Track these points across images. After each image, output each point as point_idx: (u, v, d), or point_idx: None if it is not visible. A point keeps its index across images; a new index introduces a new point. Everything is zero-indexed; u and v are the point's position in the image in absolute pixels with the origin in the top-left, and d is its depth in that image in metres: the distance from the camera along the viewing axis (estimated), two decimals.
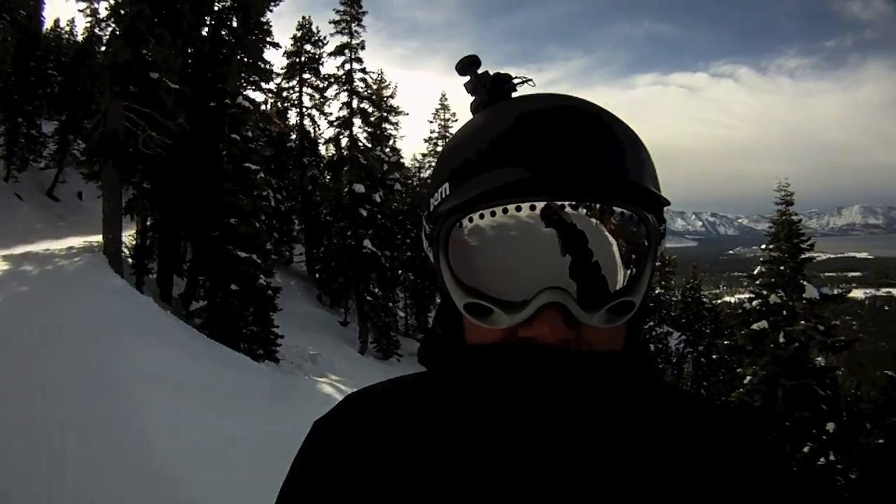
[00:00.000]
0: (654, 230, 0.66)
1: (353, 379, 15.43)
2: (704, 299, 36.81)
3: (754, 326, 16.78)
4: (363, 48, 24.56)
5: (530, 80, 0.77)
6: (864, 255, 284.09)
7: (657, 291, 34.35)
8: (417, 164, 30.92)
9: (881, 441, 14.05)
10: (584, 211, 0.61)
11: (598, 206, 0.61)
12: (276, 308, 15.11)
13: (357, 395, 0.83)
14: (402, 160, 27.11)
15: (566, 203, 0.61)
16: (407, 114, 26.56)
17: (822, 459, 14.20)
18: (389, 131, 25.90)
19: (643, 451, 0.68)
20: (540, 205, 0.60)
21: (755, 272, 17.99)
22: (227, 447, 6.51)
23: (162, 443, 6.34)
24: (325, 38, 25.91)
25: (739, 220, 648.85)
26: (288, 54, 26.65)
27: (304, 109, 26.83)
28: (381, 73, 26.49)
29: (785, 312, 16.48)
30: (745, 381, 16.26)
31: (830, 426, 14.74)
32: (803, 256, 16.91)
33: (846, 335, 17.32)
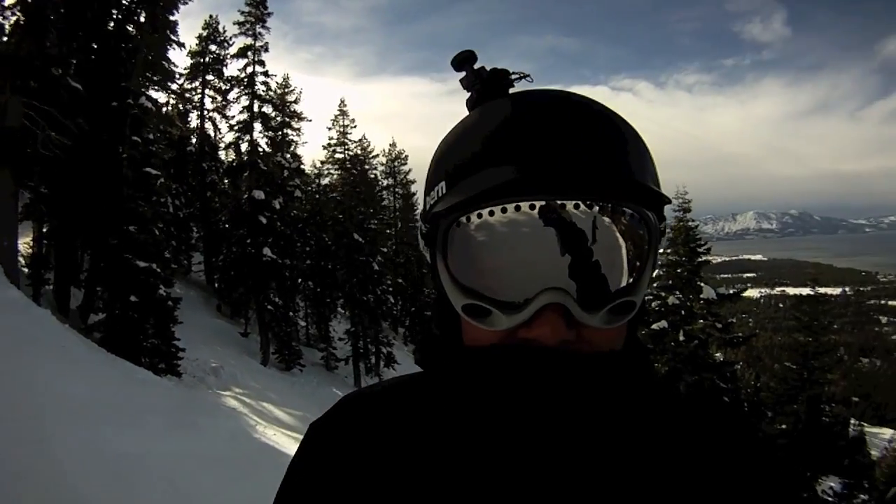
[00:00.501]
0: (654, 228, 0.65)
1: (256, 392, 15.06)
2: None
3: (655, 326, 17.62)
4: (266, 50, 23.99)
5: (528, 75, 0.76)
6: (758, 257, 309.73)
7: None
8: (317, 171, 30.41)
9: (783, 426, 15.21)
10: (584, 209, 0.60)
11: (598, 204, 0.61)
12: (176, 320, 14.35)
13: (354, 396, 0.83)
14: (302, 166, 26.58)
15: (564, 203, 0.60)
16: (310, 120, 26.14)
17: None
18: (291, 137, 25.36)
19: (644, 451, 0.68)
20: (539, 204, 0.60)
21: (654, 275, 18.81)
22: (140, 467, 6.11)
23: (73, 465, 5.84)
24: (230, 38, 24.98)
25: None
26: (192, 54, 25.55)
27: (206, 112, 25.76)
28: (287, 77, 25.96)
29: (683, 312, 17.58)
30: None
31: None
32: (700, 259, 18.04)
33: (743, 331, 18.88)
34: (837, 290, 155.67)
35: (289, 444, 9.18)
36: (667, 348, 17.15)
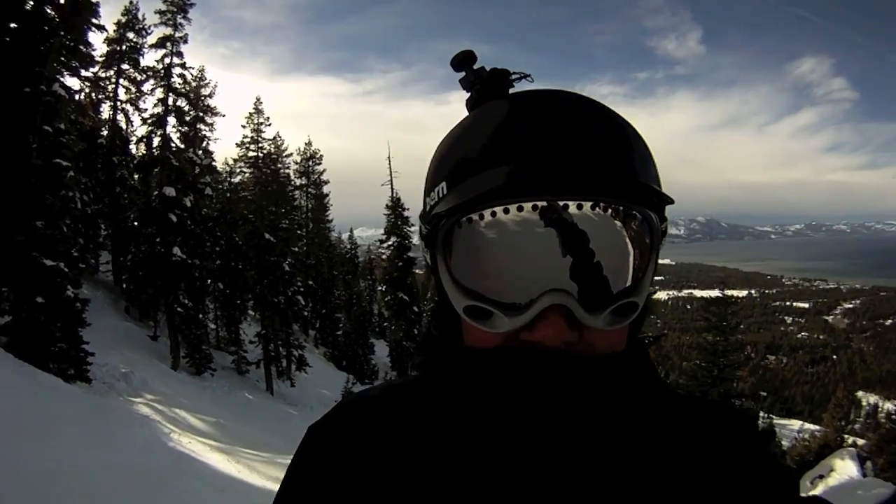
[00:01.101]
0: (656, 229, 0.65)
1: (168, 398, 14.43)
2: None
3: None
4: (186, 42, 22.84)
5: (528, 75, 0.76)
6: (666, 261, 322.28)
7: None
8: (229, 169, 29.36)
9: None
10: (585, 209, 0.60)
11: (599, 204, 0.60)
12: (84, 323, 13.39)
13: (353, 399, 0.82)
14: (214, 163, 25.49)
15: (566, 203, 0.60)
16: (223, 115, 25.05)
17: None
18: (204, 132, 24.09)
19: (648, 453, 0.68)
20: (540, 205, 0.60)
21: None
22: (56, 482, 5.76)
23: None
24: (149, 27, 23.57)
25: None
26: (109, 41, 23.81)
27: (119, 103, 24.16)
28: (203, 70, 24.69)
29: None
30: None
31: None
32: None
33: (653, 332, 19.51)
34: (744, 293, 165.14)
35: (206, 453, 8.97)
36: None
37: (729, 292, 18.38)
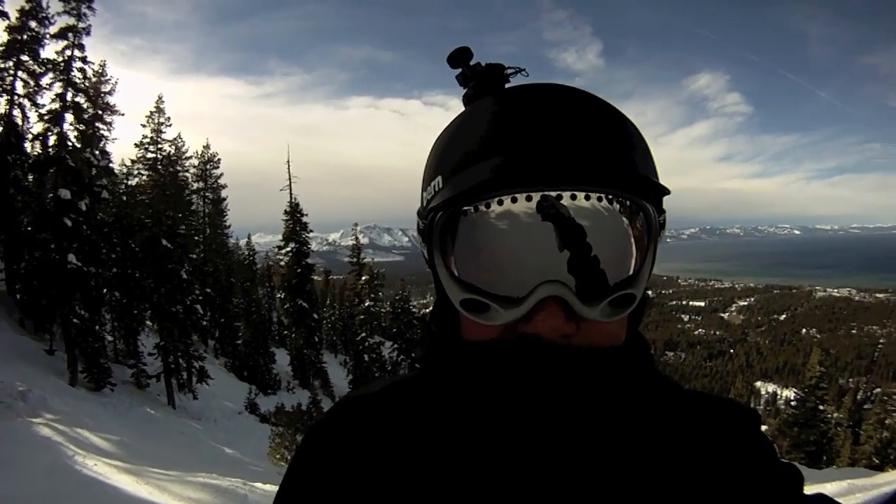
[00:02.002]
0: (654, 220, 0.65)
1: (69, 416, 13.37)
2: (413, 309, 38.80)
3: None
4: (88, 34, 21.05)
5: (523, 69, 0.75)
6: None
7: (366, 304, 35.62)
8: (126, 171, 27.56)
9: None
10: (582, 201, 0.60)
11: (596, 195, 0.60)
12: None
13: (353, 396, 0.82)
14: (111, 165, 23.90)
15: (563, 193, 0.59)
16: (122, 114, 23.45)
17: None
18: (102, 131, 22.52)
19: (648, 447, 0.68)
20: (536, 196, 0.59)
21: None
22: None
23: None
24: (52, 16, 21.34)
25: None
26: (10, 29, 21.36)
27: (16, 97, 21.66)
28: (104, 65, 23.03)
29: None
30: None
31: None
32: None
33: None
34: None
35: (114, 475, 8.46)
36: None
37: None
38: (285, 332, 39.68)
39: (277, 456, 14.53)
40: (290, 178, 33.57)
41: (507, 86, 0.74)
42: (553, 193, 0.59)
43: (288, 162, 33.72)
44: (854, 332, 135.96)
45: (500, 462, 0.66)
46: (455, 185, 0.64)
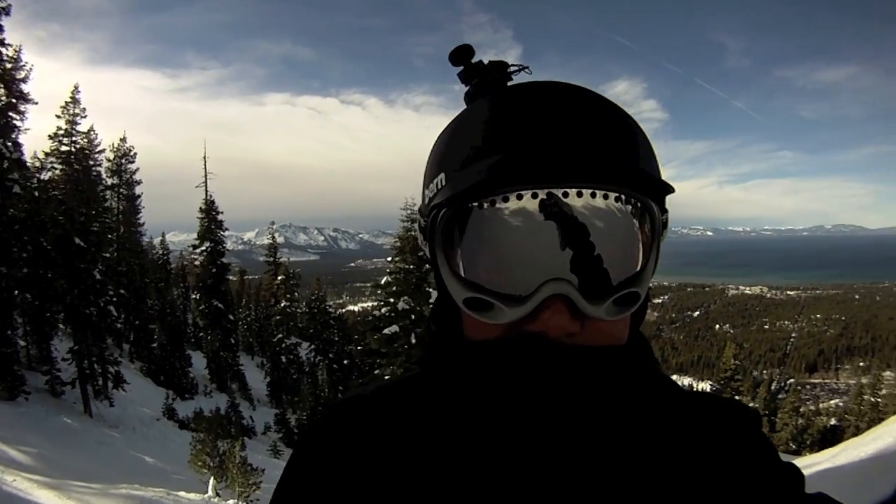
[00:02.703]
0: (657, 218, 0.64)
1: None
2: (330, 309, 38.76)
3: (386, 331, 18.37)
4: (8, 13, 19.46)
5: (527, 67, 0.75)
6: None
7: (283, 304, 35.39)
8: (39, 164, 26.12)
9: None
10: (586, 200, 0.59)
11: (599, 193, 0.59)
12: None
13: (352, 396, 0.79)
14: (23, 158, 22.21)
15: (567, 191, 0.58)
16: (36, 103, 21.84)
17: None
18: (15, 121, 20.89)
19: (651, 446, 0.66)
20: (541, 194, 0.59)
21: (382, 282, 19.35)
22: None
23: None
24: None
25: (361, 236, 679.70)
26: None
27: None
28: (19, 50, 21.29)
29: (414, 316, 18.30)
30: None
31: None
32: (426, 267, 18.35)
33: None
34: None
35: (34, 491, 8.48)
36: (399, 350, 17.92)
37: None
38: (201, 334, 38.58)
39: (199, 463, 13.92)
40: (205, 175, 32.97)
41: (508, 83, 0.74)
42: (557, 191, 0.59)
43: (204, 158, 33.10)
44: (767, 327, 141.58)
45: (508, 461, 0.64)
46: (458, 183, 0.62)
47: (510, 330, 0.63)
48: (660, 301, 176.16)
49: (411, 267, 18.95)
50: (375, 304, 20.29)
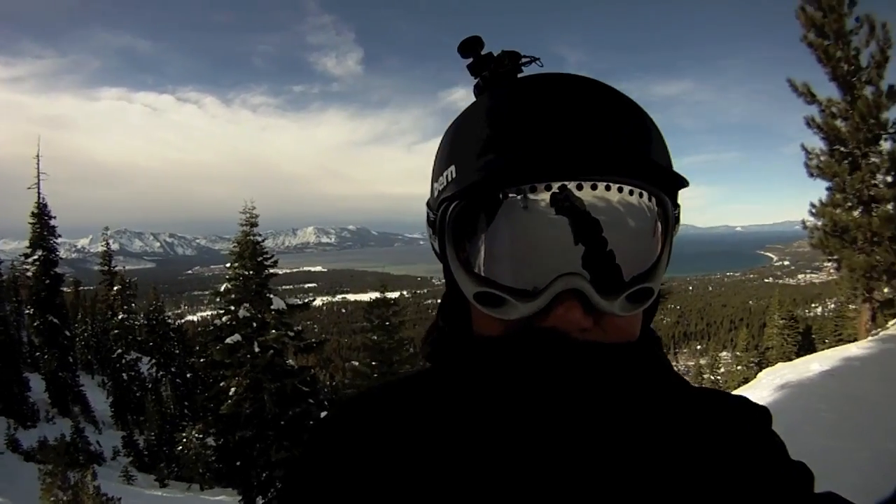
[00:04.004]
0: (670, 212, 0.63)
1: None
2: (169, 320, 37.15)
3: (228, 340, 17.43)
4: None
5: (538, 59, 0.73)
6: (318, 268, 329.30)
7: (120, 317, 33.14)
8: None
9: None
10: (601, 191, 0.58)
11: (613, 186, 0.58)
12: None
13: (361, 394, 0.78)
14: None
15: (580, 183, 0.57)
16: None
17: None
18: None
19: (664, 445, 0.67)
20: (554, 187, 0.58)
21: (222, 289, 18.62)
22: None
23: None
24: None
25: (198, 241, 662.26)
26: None
27: None
28: None
29: (256, 324, 17.63)
30: (231, 393, 17.09)
31: (325, 414, 16.83)
32: (267, 272, 18.32)
33: (313, 337, 19.67)
34: (397, 294, 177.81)
35: None
36: (244, 360, 17.32)
37: (385, 294, 19.14)
38: (37, 353, 34.89)
39: (52, 499, 12.96)
40: (38, 175, 29.99)
41: (519, 75, 0.73)
42: (570, 184, 0.58)
43: (38, 156, 30.19)
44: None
45: (521, 459, 0.64)
46: (468, 176, 0.62)
47: (521, 326, 0.62)
48: None
49: (251, 273, 18.28)
50: (215, 312, 19.60)
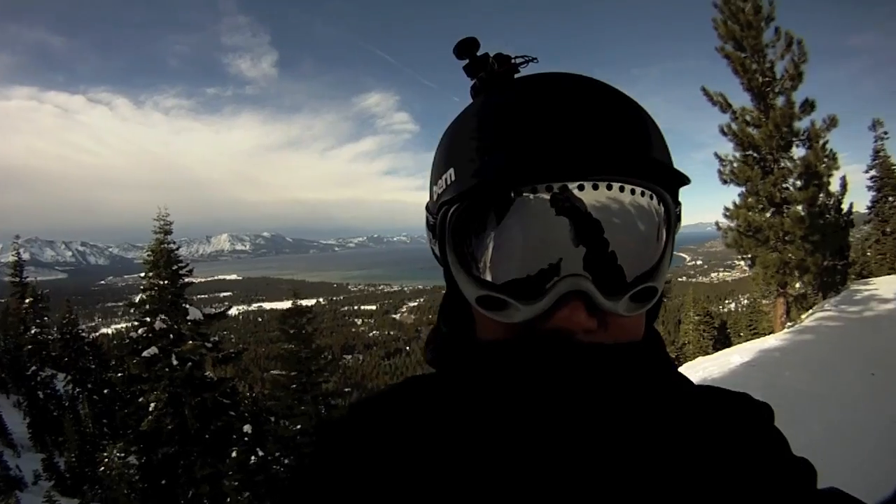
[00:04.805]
0: (672, 210, 0.63)
1: None
2: (83, 334, 35.31)
3: (145, 353, 17.11)
4: None
5: (535, 59, 0.73)
6: (233, 276, 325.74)
7: (34, 331, 31.36)
8: None
9: (300, 426, 16.43)
10: (603, 190, 0.57)
11: (614, 186, 0.58)
12: None
13: (365, 399, 0.78)
14: None
15: (581, 183, 0.57)
16: None
17: (252, 458, 15.66)
18: None
19: (669, 444, 0.66)
20: (555, 187, 0.57)
21: (137, 300, 18.25)
22: None
23: None
24: None
25: (111, 250, 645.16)
26: None
27: None
28: None
29: (172, 336, 17.36)
30: (151, 408, 16.58)
31: (247, 428, 16.41)
32: (183, 281, 18.03)
33: (230, 348, 19.33)
34: (313, 301, 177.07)
35: None
36: (162, 374, 16.90)
37: (300, 302, 18.84)
38: None
39: None
40: None
41: (516, 76, 0.72)
42: (571, 185, 0.57)
43: None
44: None
45: (530, 461, 0.63)
46: (467, 179, 0.61)
47: (525, 329, 0.61)
48: (416, 304, 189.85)
49: (166, 282, 17.97)
50: (131, 324, 18.97)
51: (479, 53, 0.74)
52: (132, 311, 18.33)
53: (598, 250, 0.59)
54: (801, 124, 13.49)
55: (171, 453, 16.71)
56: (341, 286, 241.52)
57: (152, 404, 16.68)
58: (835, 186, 13.81)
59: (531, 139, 0.60)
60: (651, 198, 0.61)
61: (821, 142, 13.45)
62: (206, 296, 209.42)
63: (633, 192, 0.59)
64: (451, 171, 0.66)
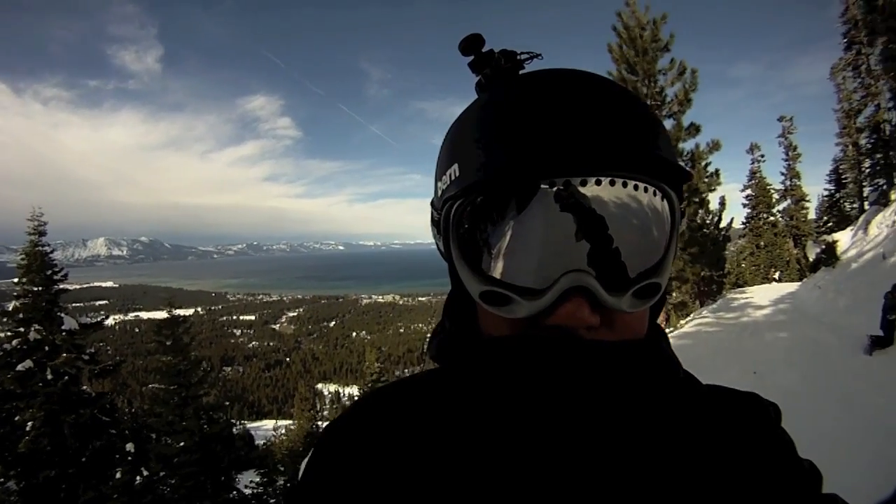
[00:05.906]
0: (676, 207, 0.64)
1: None
2: None
3: (20, 367, 15.80)
4: None
5: (539, 55, 0.73)
6: (109, 283, 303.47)
7: None
8: None
9: (183, 444, 15.59)
10: (606, 187, 0.58)
11: (618, 181, 0.58)
12: None
13: (371, 395, 0.78)
14: None
15: (585, 179, 0.57)
16: None
17: (138, 478, 14.89)
18: None
19: (674, 444, 0.66)
20: (558, 183, 0.58)
21: (11, 308, 16.80)
22: None
23: None
24: None
25: None
26: None
27: None
28: None
29: (47, 347, 16.18)
30: (29, 427, 15.38)
31: (130, 446, 15.60)
32: (58, 288, 16.88)
33: (107, 360, 18.06)
34: (191, 311, 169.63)
35: None
36: (37, 390, 15.63)
37: (177, 312, 17.92)
38: None
39: None
40: None
41: (521, 72, 0.72)
42: (574, 180, 0.57)
43: None
44: (402, 330, 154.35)
45: (533, 458, 0.63)
46: (472, 174, 0.62)
47: (529, 325, 0.62)
48: (295, 314, 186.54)
49: (40, 289, 16.60)
50: (4, 335, 17.05)
51: (484, 49, 0.76)
52: (5, 319, 16.70)
53: (601, 246, 0.60)
54: (686, 145, 14.79)
55: (52, 476, 15.37)
56: (220, 295, 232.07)
57: (29, 423, 15.40)
58: (714, 204, 15.11)
59: (535, 135, 0.60)
60: (655, 194, 0.61)
61: (703, 163, 14.78)
62: (82, 304, 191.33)
63: (636, 188, 0.60)
64: (456, 166, 0.66)
